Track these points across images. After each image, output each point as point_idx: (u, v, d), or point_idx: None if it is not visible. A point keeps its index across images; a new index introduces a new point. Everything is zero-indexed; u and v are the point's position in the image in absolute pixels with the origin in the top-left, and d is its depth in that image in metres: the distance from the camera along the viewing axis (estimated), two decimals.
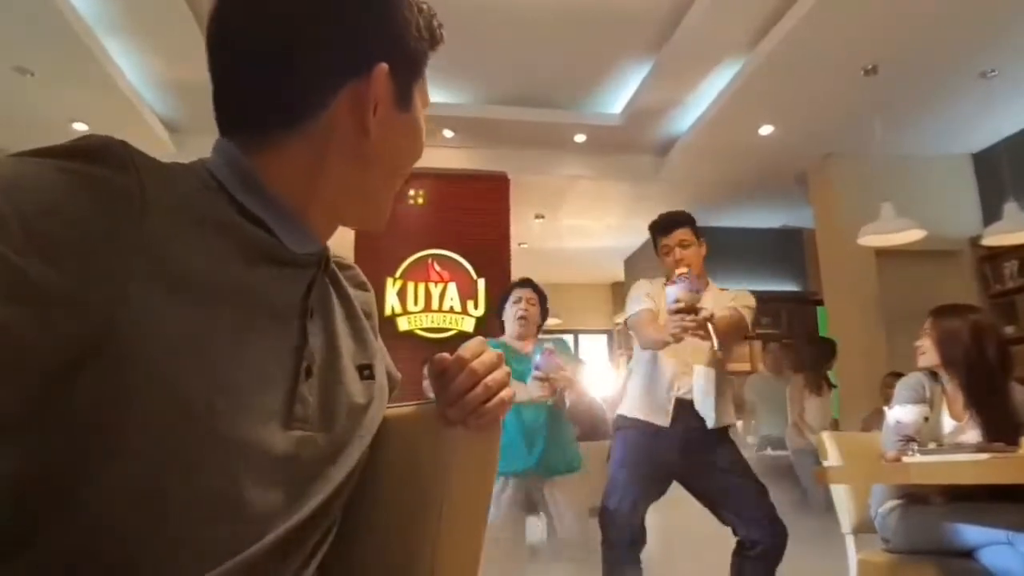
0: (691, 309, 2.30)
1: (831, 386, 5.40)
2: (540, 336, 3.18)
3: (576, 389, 2.93)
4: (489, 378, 0.72)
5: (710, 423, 2.56)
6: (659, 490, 2.63)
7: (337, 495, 0.68)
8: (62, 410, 0.49)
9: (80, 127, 5.16)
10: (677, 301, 2.31)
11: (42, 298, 0.46)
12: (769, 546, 2.47)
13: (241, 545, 0.57)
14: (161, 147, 5.55)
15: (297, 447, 0.63)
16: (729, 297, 2.71)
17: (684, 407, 2.58)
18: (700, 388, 2.59)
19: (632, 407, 2.68)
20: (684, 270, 2.47)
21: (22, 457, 0.49)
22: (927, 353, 2.39)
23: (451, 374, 0.72)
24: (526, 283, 3.19)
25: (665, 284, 2.50)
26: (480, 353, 0.73)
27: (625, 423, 2.68)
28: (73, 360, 0.49)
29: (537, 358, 2.74)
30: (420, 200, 6.36)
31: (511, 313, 3.09)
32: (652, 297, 2.69)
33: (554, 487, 3.00)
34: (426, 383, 4.59)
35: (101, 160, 0.53)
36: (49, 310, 0.47)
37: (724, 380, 2.67)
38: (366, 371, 0.75)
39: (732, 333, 2.57)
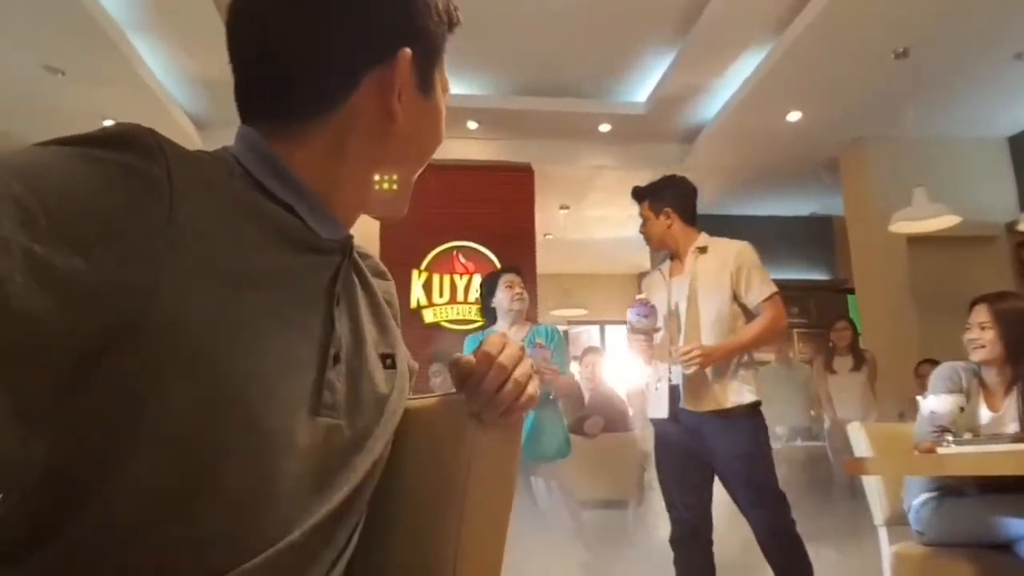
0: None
1: (856, 355, 5.33)
2: (536, 325, 3.18)
3: (557, 385, 2.91)
4: (518, 372, 0.70)
5: (701, 407, 2.48)
6: (701, 476, 2.53)
7: (363, 486, 0.67)
8: (91, 399, 0.49)
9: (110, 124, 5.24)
10: (631, 323, 2.51)
11: (70, 288, 0.46)
12: (757, 537, 2.41)
13: (271, 538, 0.57)
14: (189, 142, 5.52)
15: (325, 435, 0.62)
16: (718, 259, 2.58)
17: (675, 394, 2.54)
18: (683, 373, 2.51)
19: (648, 407, 2.68)
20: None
21: (52, 446, 0.49)
22: (988, 346, 2.23)
23: (480, 372, 0.70)
24: (511, 268, 3.23)
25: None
26: (504, 347, 0.71)
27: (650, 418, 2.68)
28: (101, 349, 0.49)
29: (528, 350, 2.79)
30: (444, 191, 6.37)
31: (506, 298, 3.07)
32: (648, 301, 2.65)
33: (545, 476, 2.96)
34: (435, 382, 4.56)
35: (128, 147, 0.53)
36: (77, 300, 0.47)
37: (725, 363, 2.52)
38: (388, 360, 0.74)
39: (758, 341, 2.55)
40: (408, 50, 0.66)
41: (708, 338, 2.50)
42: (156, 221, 0.51)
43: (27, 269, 0.44)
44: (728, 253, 2.57)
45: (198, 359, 0.52)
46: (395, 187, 0.74)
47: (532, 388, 0.72)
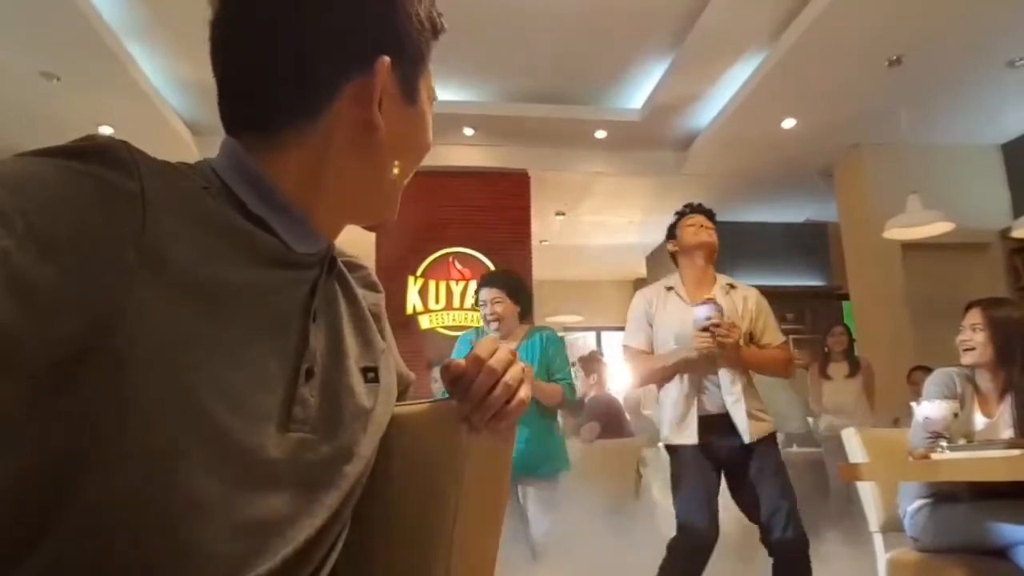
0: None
1: (851, 361, 5.35)
2: (534, 328, 3.10)
3: (545, 394, 2.86)
4: (508, 376, 0.70)
5: (745, 438, 2.50)
6: (717, 483, 2.59)
7: (346, 502, 0.67)
8: (60, 408, 0.49)
9: (105, 131, 5.23)
10: (709, 318, 2.44)
11: (41, 294, 0.47)
12: (783, 554, 2.39)
13: (248, 556, 0.56)
14: (185, 149, 5.61)
15: (296, 450, 0.62)
16: (741, 297, 2.71)
17: (709, 423, 2.53)
18: (730, 400, 2.54)
19: (667, 431, 2.64)
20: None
21: (22, 456, 0.49)
22: (978, 349, 2.25)
23: (470, 376, 0.70)
24: (488, 282, 3.11)
25: (697, 303, 2.56)
26: (495, 351, 0.71)
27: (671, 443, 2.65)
28: (70, 358, 0.49)
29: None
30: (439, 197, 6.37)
31: (481, 316, 3.04)
32: (651, 314, 2.70)
33: (532, 489, 2.91)
34: (434, 388, 4.54)
35: (102, 160, 0.53)
36: (47, 307, 0.47)
37: (752, 385, 2.62)
38: (370, 374, 0.73)
39: (768, 367, 2.65)
40: (387, 58, 0.66)
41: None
42: (128, 235, 0.51)
43: (1, 270, 0.44)
44: (749, 296, 2.74)
45: (163, 373, 0.52)
46: (382, 196, 0.73)
47: (523, 392, 0.72)
